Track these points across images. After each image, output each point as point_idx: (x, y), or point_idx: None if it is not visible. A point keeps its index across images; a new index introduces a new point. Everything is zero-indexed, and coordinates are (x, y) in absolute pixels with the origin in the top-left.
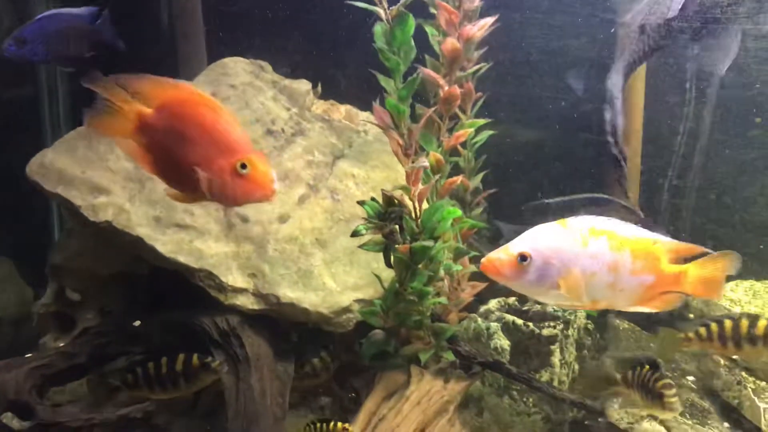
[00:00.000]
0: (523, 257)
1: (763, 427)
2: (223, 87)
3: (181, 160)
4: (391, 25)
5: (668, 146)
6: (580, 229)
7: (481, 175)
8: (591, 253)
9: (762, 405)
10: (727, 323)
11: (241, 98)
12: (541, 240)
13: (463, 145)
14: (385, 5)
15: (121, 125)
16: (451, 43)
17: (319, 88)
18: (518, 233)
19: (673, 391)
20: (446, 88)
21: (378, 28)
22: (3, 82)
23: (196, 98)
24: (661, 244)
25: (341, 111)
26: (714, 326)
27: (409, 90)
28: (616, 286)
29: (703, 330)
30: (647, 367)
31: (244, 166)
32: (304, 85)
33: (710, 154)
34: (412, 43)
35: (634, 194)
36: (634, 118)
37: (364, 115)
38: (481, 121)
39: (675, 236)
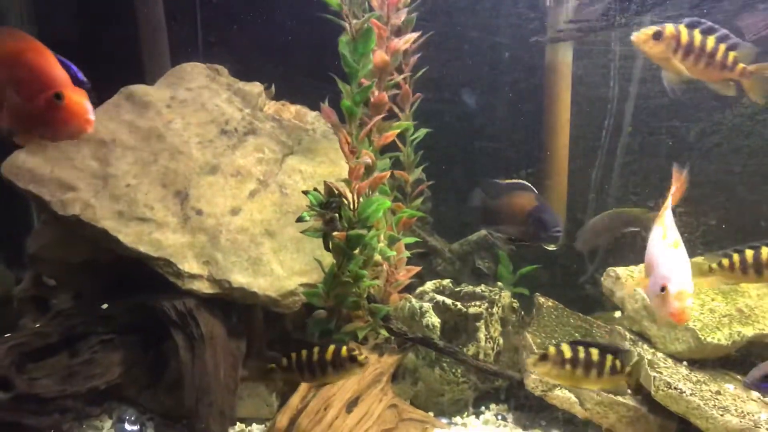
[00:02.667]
0: None
1: (652, 392)
2: (181, 90)
3: (16, 101)
4: (355, 38)
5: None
6: None
7: (420, 168)
8: None
9: (653, 374)
10: (748, 252)
11: (197, 100)
12: None
13: (403, 142)
14: (351, 20)
15: None
16: (380, 55)
17: (273, 89)
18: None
19: None
20: (377, 94)
21: (343, 39)
22: None
23: (22, 45)
24: None
25: (292, 111)
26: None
27: (363, 95)
28: None
29: (726, 260)
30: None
31: (59, 96)
32: (256, 88)
33: (589, 158)
34: (371, 55)
35: (562, 182)
36: (561, 114)
37: (313, 114)
38: (406, 124)
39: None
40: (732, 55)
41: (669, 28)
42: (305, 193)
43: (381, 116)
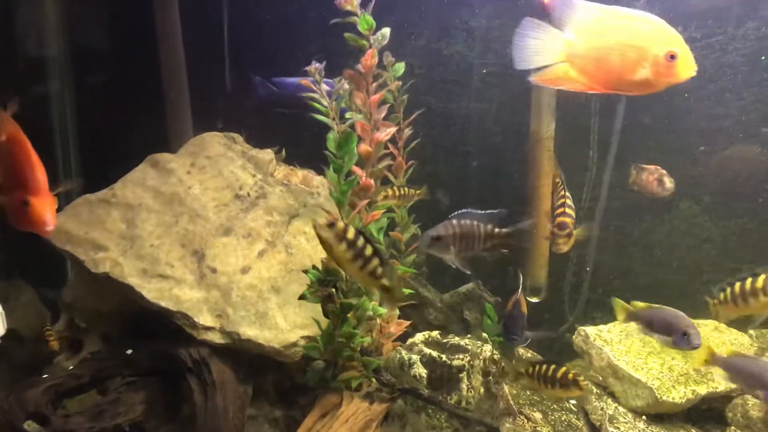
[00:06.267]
0: None
1: None
2: (201, 158)
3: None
4: (340, 137)
5: None
6: None
7: (413, 228)
8: None
9: (611, 429)
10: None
11: (215, 167)
12: None
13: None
14: (338, 121)
15: None
16: (364, 147)
17: (283, 153)
18: None
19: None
20: (363, 179)
21: (330, 136)
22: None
23: (18, 146)
24: None
25: (299, 175)
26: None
27: (349, 186)
28: None
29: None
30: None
31: (26, 203)
32: (268, 155)
33: None
34: (355, 151)
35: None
36: (545, 142)
37: (318, 179)
38: (390, 203)
39: None
40: None
41: None
42: (305, 272)
43: (367, 200)
